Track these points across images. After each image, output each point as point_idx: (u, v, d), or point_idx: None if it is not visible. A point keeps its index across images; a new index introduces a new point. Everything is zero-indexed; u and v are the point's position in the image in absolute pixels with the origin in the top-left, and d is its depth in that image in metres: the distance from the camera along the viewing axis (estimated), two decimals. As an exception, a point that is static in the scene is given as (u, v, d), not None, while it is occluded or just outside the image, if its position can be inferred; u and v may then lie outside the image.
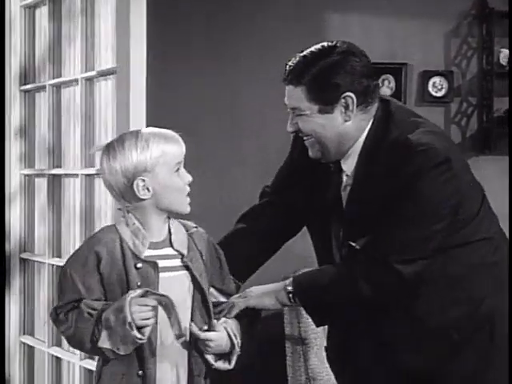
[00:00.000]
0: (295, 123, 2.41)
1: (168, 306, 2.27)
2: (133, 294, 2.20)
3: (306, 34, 4.14)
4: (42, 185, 3.62)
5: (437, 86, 4.52)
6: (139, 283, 2.23)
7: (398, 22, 4.50)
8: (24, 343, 3.60)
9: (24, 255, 3.58)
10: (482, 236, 2.42)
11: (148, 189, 2.25)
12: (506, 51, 4.52)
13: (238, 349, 2.31)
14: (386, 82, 4.49)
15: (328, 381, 3.50)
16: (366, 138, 2.40)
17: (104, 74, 3.22)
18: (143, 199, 2.26)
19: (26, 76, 3.63)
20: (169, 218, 2.34)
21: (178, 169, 2.28)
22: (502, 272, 2.45)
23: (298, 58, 2.38)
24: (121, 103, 2.96)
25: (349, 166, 2.43)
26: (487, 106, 4.54)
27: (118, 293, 2.23)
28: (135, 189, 2.25)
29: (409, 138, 2.35)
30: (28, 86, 3.62)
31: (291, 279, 2.38)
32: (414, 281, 2.32)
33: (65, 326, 2.24)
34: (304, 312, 2.83)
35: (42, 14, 3.62)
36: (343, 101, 2.34)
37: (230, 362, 2.31)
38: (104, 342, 2.19)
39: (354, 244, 2.37)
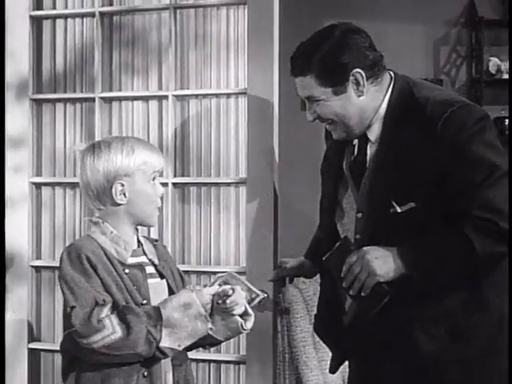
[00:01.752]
0: (314, 111, 2.44)
1: (232, 279, 2.34)
2: (197, 288, 2.27)
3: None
4: (55, 193, 3.64)
5: (426, 94, 4.54)
6: (135, 287, 2.27)
7: (386, 30, 4.53)
8: (33, 349, 3.60)
9: (34, 263, 3.58)
10: None
11: (125, 194, 2.30)
12: (494, 59, 4.60)
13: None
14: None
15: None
16: (389, 102, 2.42)
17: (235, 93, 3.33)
18: (119, 204, 2.30)
19: (33, 85, 3.62)
20: (137, 229, 2.39)
21: (154, 179, 2.34)
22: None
23: (300, 49, 2.43)
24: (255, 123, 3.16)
25: (374, 132, 2.44)
26: (477, 114, 4.57)
27: (120, 298, 2.25)
28: (113, 192, 2.30)
29: (444, 97, 2.37)
30: (40, 96, 3.62)
31: (397, 248, 2.30)
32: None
33: (103, 333, 2.17)
34: (293, 320, 2.86)
35: (77, 27, 3.68)
36: (353, 78, 2.38)
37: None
38: (165, 342, 2.20)
39: (396, 206, 2.33)
